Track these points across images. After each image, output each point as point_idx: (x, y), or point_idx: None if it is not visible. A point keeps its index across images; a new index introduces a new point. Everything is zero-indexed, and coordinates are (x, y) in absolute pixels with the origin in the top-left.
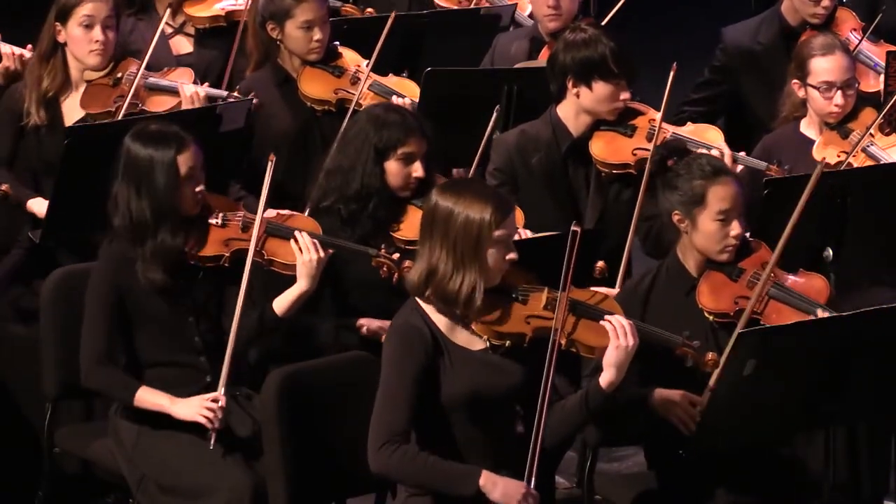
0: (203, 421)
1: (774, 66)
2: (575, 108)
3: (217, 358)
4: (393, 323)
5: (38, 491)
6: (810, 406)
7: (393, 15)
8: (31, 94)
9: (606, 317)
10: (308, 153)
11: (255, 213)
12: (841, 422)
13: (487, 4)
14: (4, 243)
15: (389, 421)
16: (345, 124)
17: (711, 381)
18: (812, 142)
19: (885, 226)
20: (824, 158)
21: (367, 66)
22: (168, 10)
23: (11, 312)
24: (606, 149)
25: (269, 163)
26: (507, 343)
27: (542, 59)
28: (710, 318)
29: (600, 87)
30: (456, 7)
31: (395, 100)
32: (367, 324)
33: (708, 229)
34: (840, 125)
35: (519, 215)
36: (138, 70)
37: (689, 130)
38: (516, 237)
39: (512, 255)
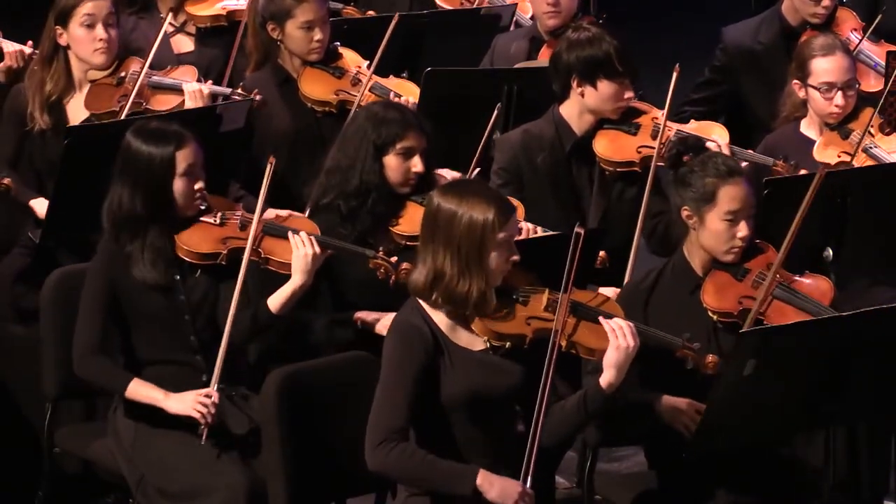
0: (196, 416)
1: (775, 66)
2: (579, 107)
3: (213, 357)
4: (393, 322)
5: (38, 491)
6: (810, 406)
7: (397, 16)
8: (35, 98)
9: (606, 318)
10: (308, 153)
11: (254, 212)
12: (841, 422)
13: (488, 4)
14: (5, 242)
15: (388, 419)
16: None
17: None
18: (812, 142)
19: (885, 226)
20: (827, 163)
21: (367, 67)
22: (170, 13)
23: (11, 312)
24: (611, 147)
25: (269, 165)
26: (507, 344)
27: (542, 59)
28: (714, 317)
29: (605, 86)
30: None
31: (393, 98)
32: (362, 317)
33: (715, 228)
34: (840, 125)
35: (520, 211)
36: (141, 69)
37: (693, 128)
38: (522, 232)
39: (514, 257)
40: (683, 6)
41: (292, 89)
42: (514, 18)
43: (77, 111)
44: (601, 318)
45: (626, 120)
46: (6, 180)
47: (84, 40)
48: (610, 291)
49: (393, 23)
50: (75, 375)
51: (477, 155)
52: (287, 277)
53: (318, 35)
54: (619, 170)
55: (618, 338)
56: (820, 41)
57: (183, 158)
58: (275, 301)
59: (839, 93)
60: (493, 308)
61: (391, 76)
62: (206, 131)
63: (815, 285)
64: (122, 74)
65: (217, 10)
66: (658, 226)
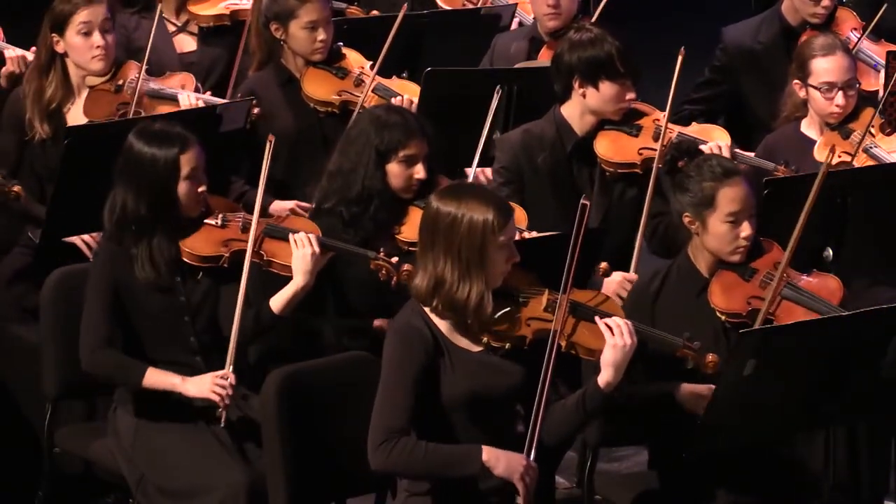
0: (214, 398)
1: (775, 65)
2: (580, 108)
3: (213, 358)
4: (393, 323)
5: (38, 491)
6: (810, 406)
7: (402, 12)
8: (33, 107)
9: (604, 317)
10: (310, 154)
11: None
12: (841, 422)
13: (488, 4)
14: (5, 242)
15: (388, 420)
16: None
17: None
18: (813, 142)
19: (885, 226)
20: (830, 159)
21: (371, 67)
22: (160, 9)
23: (12, 312)
24: (612, 148)
25: (268, 143)
26: (507, 345)
27: (542, 59)
28: (723, 318)
29: (607, 87)
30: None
31: (394, 99)
32: (383, 325)
33: (718, 231)
34: (841, 125)
35: (521, 214)
36: (139, 76)
37: (694, 130)
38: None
39: (514, 259)
40: (683, 6)
41: (295, 89)
42: (517, 18)
43: (76, 118)
44: (597, 318)
45: (627, 121)
46: (17, 187)
47: (81, 48)
48: (617, 276)
49: (398, 21)
50: (75, 375)
51: (477, 153)
52: (288, 279)
53: (321, 35)
54: (619, 171)
55: (615, 336)
56: (820, 41)
57: (187, 162)
58: (277, 302)
59: (840, 93)
60: (490, 313)
61: (393, 77)
62: (205, 132)
63: (823, 284)
64: (121, 82)
65: (220, 10)
66: (658, 226)
